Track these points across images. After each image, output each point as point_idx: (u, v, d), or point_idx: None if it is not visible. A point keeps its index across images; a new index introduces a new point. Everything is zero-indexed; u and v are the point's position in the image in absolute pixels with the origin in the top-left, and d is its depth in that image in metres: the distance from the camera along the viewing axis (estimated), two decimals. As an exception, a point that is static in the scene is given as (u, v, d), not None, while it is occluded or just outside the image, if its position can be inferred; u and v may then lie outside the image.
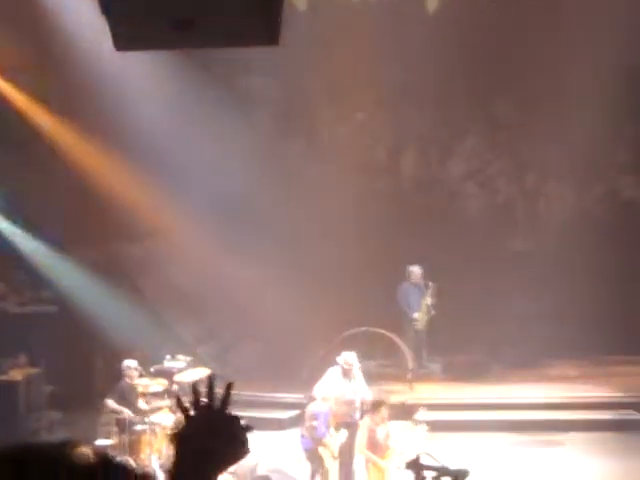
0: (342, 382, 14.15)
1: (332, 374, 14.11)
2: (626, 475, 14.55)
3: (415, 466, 6.91)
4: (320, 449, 13.43)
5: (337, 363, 14.13)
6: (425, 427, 13.15)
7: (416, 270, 19.64)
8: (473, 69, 21.70)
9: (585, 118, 20.32)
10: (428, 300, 19.44)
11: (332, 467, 13.59)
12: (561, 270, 19.56)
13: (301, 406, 14.97)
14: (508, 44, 20.89)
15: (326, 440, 13.45)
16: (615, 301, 19.51)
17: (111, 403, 14.57)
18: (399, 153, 23.40)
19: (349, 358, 14.19)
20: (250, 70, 22.32)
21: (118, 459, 2.47)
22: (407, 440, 13.09)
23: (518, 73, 21.33)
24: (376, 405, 12.87)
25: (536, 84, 21.32)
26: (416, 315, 19.46)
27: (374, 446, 12.63)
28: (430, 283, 19.38)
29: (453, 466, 6.92)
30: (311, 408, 13.76)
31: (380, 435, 12.77)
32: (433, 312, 19.45)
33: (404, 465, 7.01)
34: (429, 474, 6.83)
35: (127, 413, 14.35)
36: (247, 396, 18.51)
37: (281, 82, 22.82)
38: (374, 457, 12.57)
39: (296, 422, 16.08)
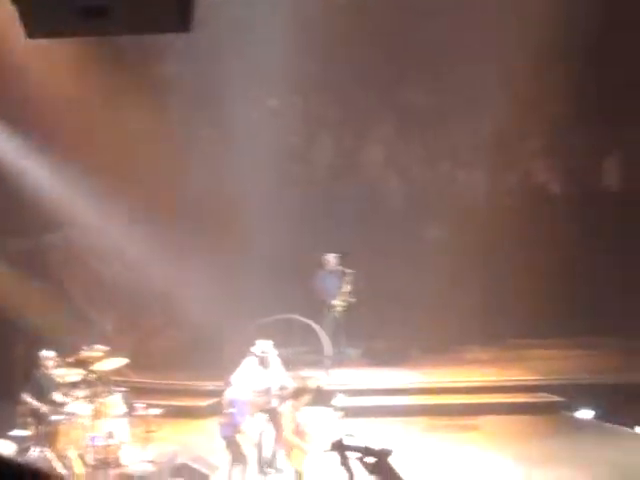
0: (258, 371, 14.28)
1: (248, 363, 14.28)
2: (541, 457, 14.83)
3: (339, 447, 6.99)
4: (238, 436, 13.49)
5: (253, 351, 14.29)
6: (340, 413, 13.28)
7: (331, 258, 19.76)
8: (384, 56, 21.89)
9: (496, 103, 20.61)
10: (346, 287, 19.56)
11: (250, 454, 13.69)
12: (474, 257, 19.84)
13: (220, 394, 14.99)
14: (419, 30, 21.08)
15: (243, 427, 13.53)
16: (525, 287, 19.81)
17: (27, 397, 14.45)
18: (313, 140, 23.49)
19: (264, 347, 14.39)
20: (163, 57, 22.23)
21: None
22: (323, 425, 13.25)
23: (428, 59, 21.52)
24: (298, 392, 12.96)
25: (447, 70, 21.54)
26: (334, 302, 19.58)
27: (297, 431, 12.72)
28: (348, 271, 19.49)
29: (376, 446, 7.02)
30: (228, 395, 13.84)
31: (301, 420, 12.88)
32: (351, 299, 19.57)
33: (328, 447, 7.08)
34: (353, 455, 6.92)
35: (41, 406, 14.25)
36: (166, 385, 18.54)
37: (194, 69, 22.76)
38: (298, 441, 12.66)
39: (215, 410, 16.08)
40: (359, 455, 6.89)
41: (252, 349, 14.43)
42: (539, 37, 19.59)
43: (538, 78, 20.55)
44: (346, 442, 6.97)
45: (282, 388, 13.93)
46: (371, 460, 6.89)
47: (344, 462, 6.89)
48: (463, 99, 21.16)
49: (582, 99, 20.79)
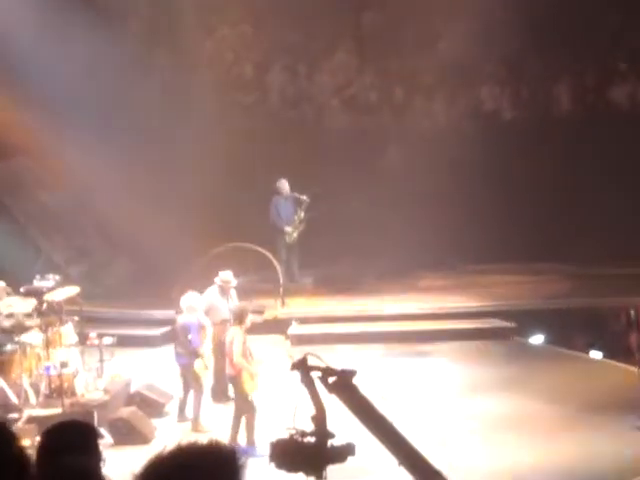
0: (220, 301, 14.29)
1: (210, 293, 14.31)
2: (493, 382, 14.99)
3: (301, 367, 7.02)
4: (196, 362, 13.50)
5: (210, 280, 14.32)
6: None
7: (284, 183, 19.63)
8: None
9: (455, 29, 20.54)
10: (301, 214, 19.49)
11: (205, 378, 13.76)
12: (428, 182, 19.82)
13: (172, 323, 14.97)
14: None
15: (200, 352, 13.56)
16: (478, 212, 19.88)
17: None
18: (267, 68, 23.27)
19: (226, 276, 14.40)
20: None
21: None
22: (273, 351, 13.42)
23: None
24: (240, 315, 12.98)
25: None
26: (288, 228, 19.51)
27: (244, 355, 12.77)
28: (304, 197, 19.39)
29: (337, 367, 7.08)
30: (181, 321, 13.83)
31: (249, 345, 12.93)
32: (303, 226, 19.50)
33: (290, 366, 7.11)
34: (315, 374, 6.96)
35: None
36: (118, 314, 18.49)
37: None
38: (247, 365, 12.71)
39: (167, 339, 16.08)
40: (320, 374, 6.94)
41: (215, 279, 14.44)
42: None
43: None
44: (309, 362, 7.02)
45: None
46: (332, 379, 6.95)
47: (305, 380, 6.93)
48: (420, 24, 21.02)
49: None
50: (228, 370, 12.90)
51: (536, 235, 19.88)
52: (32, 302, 14.72)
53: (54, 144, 19.34)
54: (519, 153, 21.04)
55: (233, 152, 20.20)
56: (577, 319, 17.32)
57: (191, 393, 13.74)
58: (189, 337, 13.55)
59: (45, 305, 14.76)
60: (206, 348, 13.70)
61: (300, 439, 6.63)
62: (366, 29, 23.19)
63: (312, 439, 6.65)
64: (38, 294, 14.99)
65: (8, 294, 14.73)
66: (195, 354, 13.54)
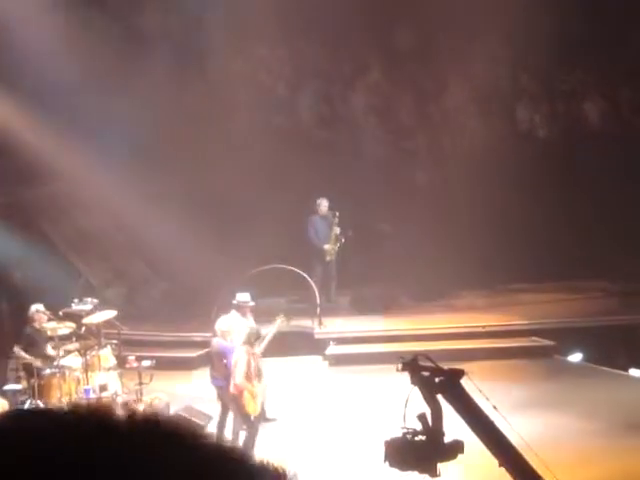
0: (239, 321, 14.34)
1: (233, 314, 14.37)
2: (532, 400, 14.88)
3: (412, 366, 7.15)
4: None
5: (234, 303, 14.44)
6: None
7: (324, 202, 19.66)
8: (372, 1, 21.77)
9: (487, 48, 20.52)
10: (336, 230, 19.49)
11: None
12: (464, 203, 19.78)
13: (208, 345, 15.00)
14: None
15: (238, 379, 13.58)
16: (515, 232, 19.79)
17: (19, 351, 14.45)
18: (299, 88, 23.31)
19: (243, 297, 14.49)
20: (145, 6, 22.04)
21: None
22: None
23: (417, 3, 21.37)
24: (249, 336, 13.06)
25: (436, 14, 21.36)
26: (326, 247, 19.50)
27: (247, 376, 12.87)
28: (336, 213, 19.42)
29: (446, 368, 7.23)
30: (216, 345, 13.83)
31: (252, 366, 12.98)
32: (343, 240, 19.46)
33: (400, 366, 7.32)
34: (425, 373, 7.10)
35: (34, 360, 14.25)
36: (155, 336, 18.54)
37: (178, 18, 22.58)
38: (249, 385, 12.82)
39: (205, 361, 16.10)
40: (429, 374, 7.08)
41: (233, 301, 14.52)
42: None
43: (530, 21, 20.43)
44: (420, 362, 7.17)
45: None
46: (439, 379, 7.07)
47: (415, 380, 7.05)
48: (452, 43, 21.01)
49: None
50: (231, 389, 12.98)
51: (575, 252, 19.77)
52: (71, 325, 14.81)
53: (89, 167, 19.46)
54: (554, 170, 20.92)
55: (267, 173, 20.25)
56: (617, 337, 17.19)
57: (230, 415, 13.72)
58: (225, 362, 13.53)
59: (84, 328, 14.85)
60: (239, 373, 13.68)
61: (412, 438, 6.74)
62: (399, 47, 23.18)
63: (423, 437, 6.76)
64: (77, 317, 15.09)
65: (48, 318, 14.81)
66: (230, 378, 13.53)
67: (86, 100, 19.55)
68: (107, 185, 19.56)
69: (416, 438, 6.97)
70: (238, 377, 12.78)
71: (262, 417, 13.92)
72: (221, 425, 13.93)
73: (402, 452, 6.95)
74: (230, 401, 13.23)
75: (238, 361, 12.88)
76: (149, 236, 19.37)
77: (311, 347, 18.02)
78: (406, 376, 15.99)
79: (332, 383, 16.57)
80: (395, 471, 11.10)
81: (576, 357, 17.10)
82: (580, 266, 19.63)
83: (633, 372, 16.05)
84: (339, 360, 17.67)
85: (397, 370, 7.35)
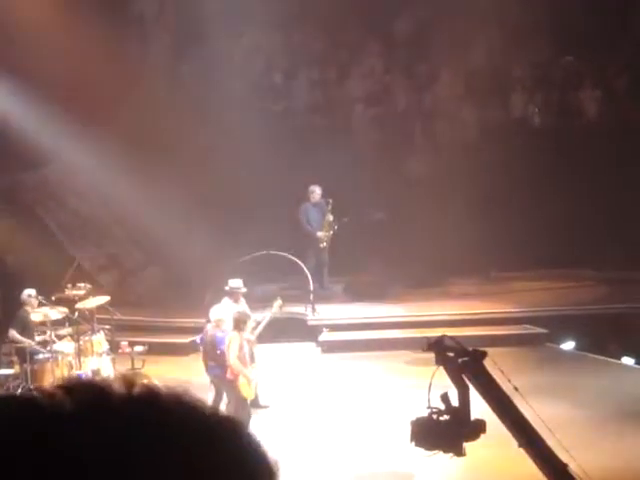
0: (232, 308, 14.34)
1: (225, 301, 14.36)
2: (525, 388, 14.87)
3: (438, 346, 7.26)
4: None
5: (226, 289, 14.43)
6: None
7: (317, 190, 19.67)
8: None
9: (483, 36, 20.49)
10: (329, 217, 19.50)
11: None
12: (458, 190, 19.77)
13: (202, 331, 14.99)
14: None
15: (232, 362, 13.59)
16: (509, 218, 19.81)
17: (15, 334, 14.44)
18: (295, 74, 23.28)
19: (235, 283, 14.51)
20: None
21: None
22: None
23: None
24: (238, 321, 13.07)
25: (434, 1, 21.37)
26: (319, 234, 19.50)
27: (240, 359, 12.87)
28: (330, 200, 19.43)
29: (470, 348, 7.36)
30: (210, 333, 13.82)
31: (245, 350, 13.00)
32: (336, 227, 19.47)
33: (426, 347, 7.45)
34: (449, 353, 7.22)
35: (29, 343, 14.24)
36: (149, 322, 18.55)
37: (174, 2, 22.54)
38: (242, 368, 12.87)
39: (198, 346, 16.12)
40: (453, 354, 7.18)
41: (225, 287, 14.51)
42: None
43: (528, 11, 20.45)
44: (446, 342, 7.27)
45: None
46: (463, 360, 7.17)
47: (440, 359, 7.16)
48: (449, 30, 20.98)
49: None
50: (228, 375, 13.00)
51: (568, 241, 19.76)
52: (64, 311, 14.81)
53: (83, 152, 19.43)
54: (548, 159, 20.92)
55: (262, 159, 20.22)
56: (610, 325, 17.21)
57: (224, 400, 13.72)
58: (217, 351, 13.51)
59: (77, 314, 14.85)
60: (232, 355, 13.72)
61: (437, 417, 6.84)
62: (396, 35, 23.15)
63: (448, 417, 6.86)
64: (70, 302, 15.09)
65: (40, 303, 14.80)
66: (226, 365, 13.54)
67: (80, 83, 19.49)
68: (102, 170, 19.54)
69: (441, 418, 7.08)
70: (231, 359, 12.81)
71: (255, 403, 13.95)
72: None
73: (428, 432, 7.05)
74: (226, 387, 13.22)
75: (230, 344, 12.90)
76: (143, 222, 19.36)
77: (304, 334, 18.04)
78: (397, 362, 16.07)
79: (325, 370, 16.59)
80: (385, 458, 11.17)
81: (568, 345, 17.13)
82: (573, 254, 19.65)
83: (625, 360, 16.08)
84: (332, 347, 17.68)
85: (423, 350, 7.52)
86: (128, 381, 1.26)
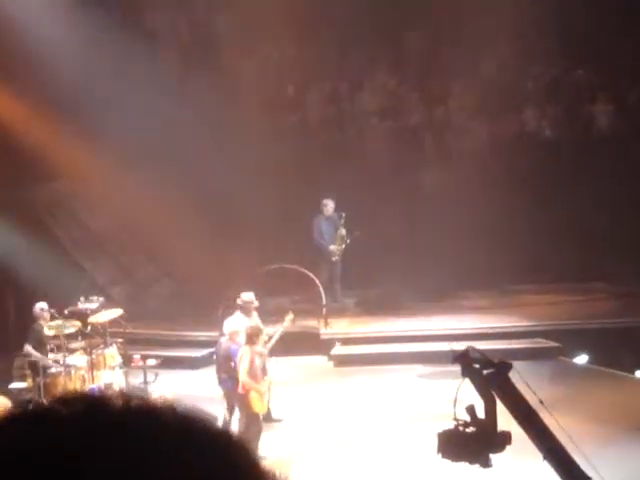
0: (244, 321, 14.34)
1: (237, 315, 14.37)
2: (535, 402, 14.82)
3: (463, 358, 7.28)
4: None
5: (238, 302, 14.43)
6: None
7: (330, 203, 19.66)
8: (381, 2, 21.79)
9: (495, 49, 20.50)
10: (342, 230, 19.49)
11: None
12: (470, 205, 19.74)
13: (215, 344, 14.99)
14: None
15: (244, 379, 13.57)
16: (521, 233, 19.77)
17: (30, 349, 14.46)
18: (308, 88, 23.30)
19: (248, 297, 14.50)
20: (155, 5, 22.05)
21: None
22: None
23: (428, 5, 21.38)
24: (251, 335, 13.05)
25: (445, 15, 21.38)
26: (332, 247, 19.49)
27: (250, 374, 12.84)
28: (342, 214, 19.43)
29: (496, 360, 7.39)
30: (224, 346, 13.82)
31: (257, 364, 12.97)
32: (348, 241, 19.45)
33: (453, 359, 7.49)
34: (475, 365, 7.24)
35: (43, 359, 14.26)
36: (161, 335, 18.56)
37: (187, 17, 22.58)
38: (254, 383, 12.82)
39: (210, 361, 16.12)
40: (479, 366, 7.20)
41: (237, 300, 14.51)
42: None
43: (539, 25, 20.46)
44: (471, 354, 7.30)
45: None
46: (489, 371, 7.20)
47: (466, 372, 7.18)
48: (462, 45, 21.00)
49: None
50: (239, 390, 12.98)
51: (581, 254, 19.73)
52: (76, 324, 14.83)
53: (95, 165, 19.48)
54: (560, 172, 20.89)
55: (274, 173, 20.24)
56: (623, 339, 17.15)
57: (236, 414, 13.72)
58: (232, 364, 13.50)
59: (89, 327, 14.86)
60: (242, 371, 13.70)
61: (464, 429, 6.86)
62: (408, 49, 23.18)
63: (474, 429, 6.88)
64: (82, 316, 15.10)
65: (52, 316, 14.82)
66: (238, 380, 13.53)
67: (90, 95, 19.55)
68: (114, 183, 19.58)
69: (467, 430, 7.11)
70: (242, 374, 12.80)
71: (268, 417, 13.93)
72: (226, 425, 13.92)
73: (454, 443, 7.09)
74: (238, 402, 13.22)
75: (241, 359, 12.90)
76: (156, 235, 19.37)
77: (316, 347, 18.02)
78: (409, 376, 16.04)
79: (337, 384, 16.57)
80: (398, 471, 11.14)
81: (581, 359, 17.06)
82: (585, 268, 19.61)
83: (639, 374, 16.01)
84: (344, 361, 17.68)
85: (451, 363, 7.58)
86: (125, 394, 1.27)
